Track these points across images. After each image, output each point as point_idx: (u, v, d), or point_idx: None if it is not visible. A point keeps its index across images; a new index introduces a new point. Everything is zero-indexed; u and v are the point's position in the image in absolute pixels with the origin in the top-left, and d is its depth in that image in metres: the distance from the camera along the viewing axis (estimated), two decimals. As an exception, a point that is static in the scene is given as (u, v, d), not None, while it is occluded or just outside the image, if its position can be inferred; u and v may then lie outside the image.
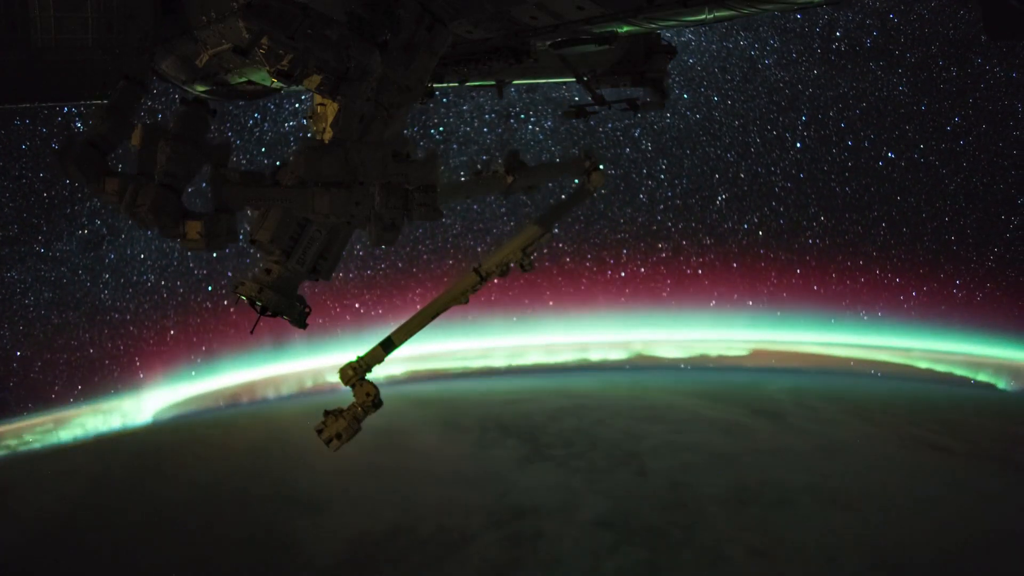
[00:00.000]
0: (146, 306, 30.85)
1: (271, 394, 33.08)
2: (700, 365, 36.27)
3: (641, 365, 36.55)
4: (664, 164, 35.16)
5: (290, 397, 32.66)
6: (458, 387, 34.88)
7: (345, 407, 5.93)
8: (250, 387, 33.30)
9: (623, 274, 35.83)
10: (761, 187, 34.92)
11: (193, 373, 32.13)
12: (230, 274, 29.84)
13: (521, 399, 31.55)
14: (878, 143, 33.70)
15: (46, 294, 28.81)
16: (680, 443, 25.51)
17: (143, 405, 30.44)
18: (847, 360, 35.09)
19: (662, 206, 35.52)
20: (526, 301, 34.75)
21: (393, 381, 33.78)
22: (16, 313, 28.35)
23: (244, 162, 30.03)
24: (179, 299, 31.42)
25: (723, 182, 35.14)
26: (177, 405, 31.47)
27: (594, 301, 35.72)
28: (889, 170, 33.82)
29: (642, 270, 35.88)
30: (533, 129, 33.83)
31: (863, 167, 34.00)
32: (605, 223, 34.78)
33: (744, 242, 35.47)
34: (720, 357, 36.42)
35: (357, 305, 33.81)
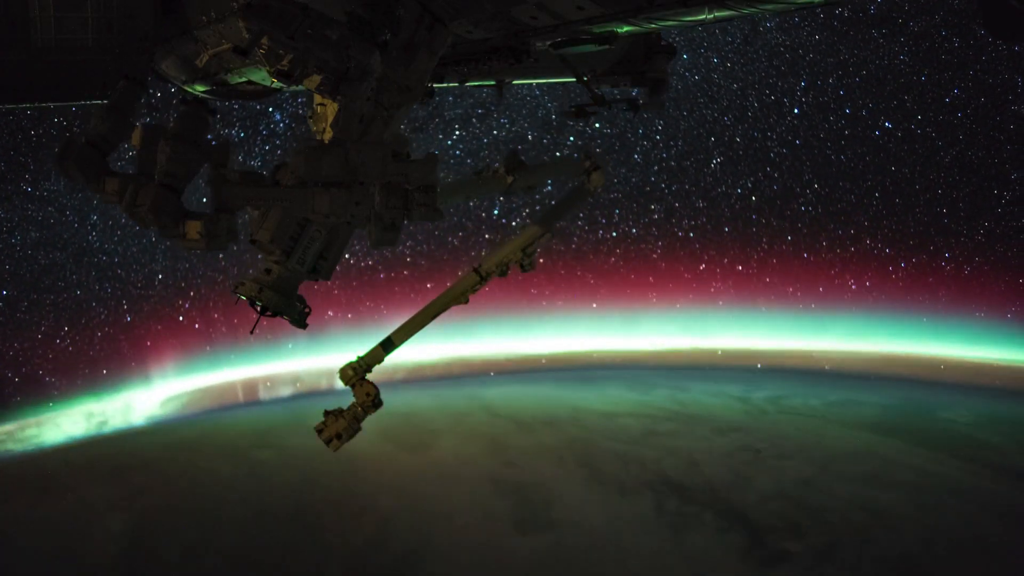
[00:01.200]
0: (134, 249, 30.23)
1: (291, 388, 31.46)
2: (780, 366, 33.87)
3: (717, 364, 33.52)
4: (660, 125, 34.41)
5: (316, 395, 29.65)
6: (546, 396, 29.95)
7: (345, 407, 5.93)
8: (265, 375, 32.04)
9: (614, 234, 35.18)
10: (757, 152, 34.55)
11: (181, 318, 31.19)
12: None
13: (661, 431, 25.35)
14: (876, 112, 33.42)
15: (33, 234, 28.18)
16: (962, 537, 17.58)
17: (150, 396, 29.91)
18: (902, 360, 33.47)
19: (656, 167, 35.00)
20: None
21: (434, 376, 31.93)
22: (2, 252, 27.79)
23: (237, 107, 29.91)
24: (167, 243, 31.00)
25: (719, 145, 34.64)
26: (189, 396, 30.49)
27: (585, 259, 35.07)
28: (885, 140, 33.57)
29: (634, 231, 35.35)
30: (529, 85, 33.67)
31: (859, 136, 33.69)
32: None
33: (737, 207, 35.06)
34: (804, 356, 34.16)
35: (347, 256, 33.42)
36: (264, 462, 23.20)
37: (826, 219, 34.48)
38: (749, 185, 34.83)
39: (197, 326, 31.47)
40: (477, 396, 30.49)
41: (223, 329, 31.50)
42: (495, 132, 32.98)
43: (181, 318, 31.23)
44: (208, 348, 31.72)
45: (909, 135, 33.19)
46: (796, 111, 33.94)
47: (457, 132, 32.25)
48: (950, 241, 33.56)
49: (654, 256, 35.52)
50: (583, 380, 33.02)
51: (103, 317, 29.90)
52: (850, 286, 34.63)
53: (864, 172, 33.94)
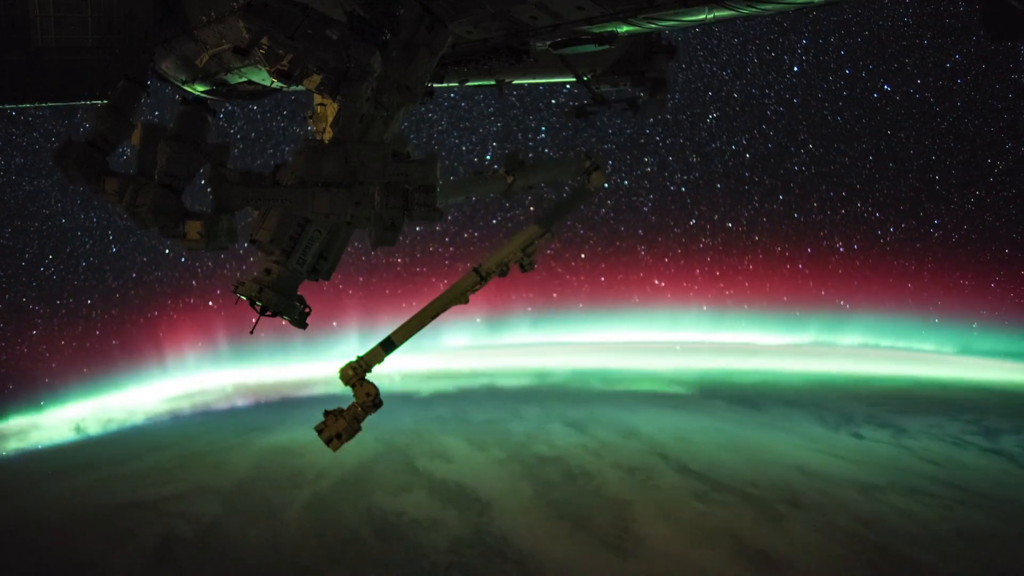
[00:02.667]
0: (120, 179, 30.52)
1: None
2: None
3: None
4: (657, 78, 34.32)
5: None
6: (726, 435, 24.00)
7: (345, 407, 5.92)
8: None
9: (606, 186, 34.84)
10: (754, 109, 34.18)
11: (168, 251, 29.85)
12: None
13: (978, 531, 17.34)
14: (875, 74, 33.07)
15: (17, 159, 27.83)
16: None
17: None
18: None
19: (651, 120, 34.48)
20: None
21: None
22: (-14, 178, 27.27)
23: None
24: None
25: (716, 100, 34.34)
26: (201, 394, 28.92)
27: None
28: (883, 103, 33.26)
29: (626, 183, 34.89)
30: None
31: (858, 98, 33.38)
32: (592, 132, 32.61)
33: (730, 163, 34.65)
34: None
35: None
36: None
37: (819, 180, 34.19)
38: (744, 142, 34.41)
39: (184, 260, 30.77)
40: (631, 430, 23.98)
41: (209, 263, 30.93)
42: (489, 81, 32.76)
43: (168, 251, 30.56)
44: (194, 283, 31.25)
45: (907, 99, 32.85)
46: (796, 69, 33.52)
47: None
48: (940, 208, 33.35)
49: (644, 209, 35.05)
50: (738, 403, 27.47)
51: (88, 247, 29.43)
52: (838, 248, 34.49)
53: (860, 135, 33.59)
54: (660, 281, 35.48)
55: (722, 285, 35.49)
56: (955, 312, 33.56)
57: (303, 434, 19.70)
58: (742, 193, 34.83)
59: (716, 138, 34.61)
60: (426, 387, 28.83)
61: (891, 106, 33.22)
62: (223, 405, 28.49)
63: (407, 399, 27.21)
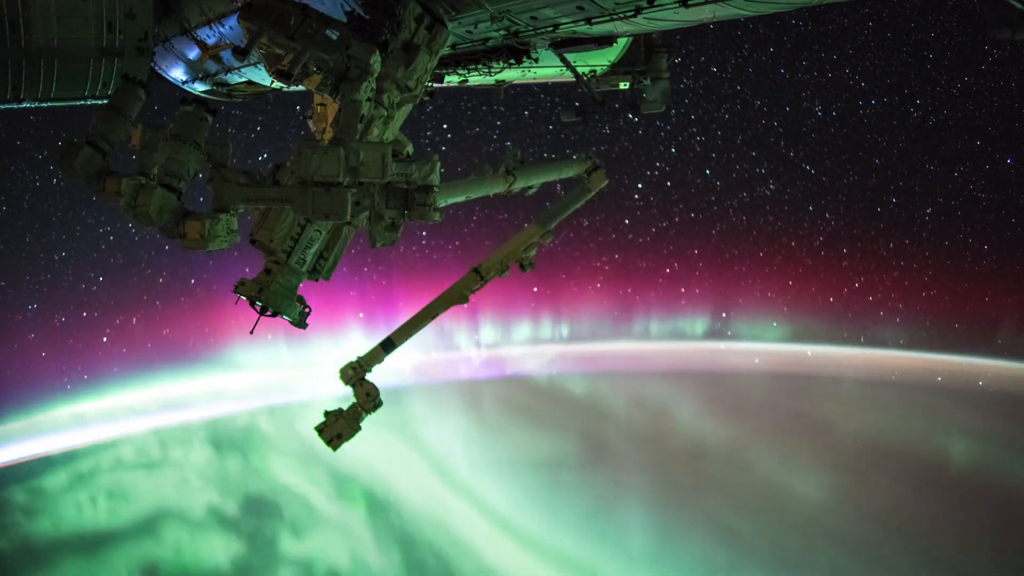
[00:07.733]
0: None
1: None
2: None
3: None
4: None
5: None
6: None
7: (346, 407, 5.92)
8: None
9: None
10: None
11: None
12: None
13: None
14: None
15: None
16: None
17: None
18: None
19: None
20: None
21: None
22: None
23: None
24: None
25: None
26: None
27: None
28: None
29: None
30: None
31: None
32: None
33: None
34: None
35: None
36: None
37: (812, 38, 32.11)
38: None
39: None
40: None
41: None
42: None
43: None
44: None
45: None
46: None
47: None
48: (926, 88, 31.50)
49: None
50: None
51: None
52: (816, 112, 32.32)
53: (866, -2, 32.80)
54: (634, 116, 34.51)
55: (695, 130, 33.69)
56: (912, 196, 32.11)
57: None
58: (733, 39, 32.25)
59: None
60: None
61: (898, -29, 31.06)
62: None
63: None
